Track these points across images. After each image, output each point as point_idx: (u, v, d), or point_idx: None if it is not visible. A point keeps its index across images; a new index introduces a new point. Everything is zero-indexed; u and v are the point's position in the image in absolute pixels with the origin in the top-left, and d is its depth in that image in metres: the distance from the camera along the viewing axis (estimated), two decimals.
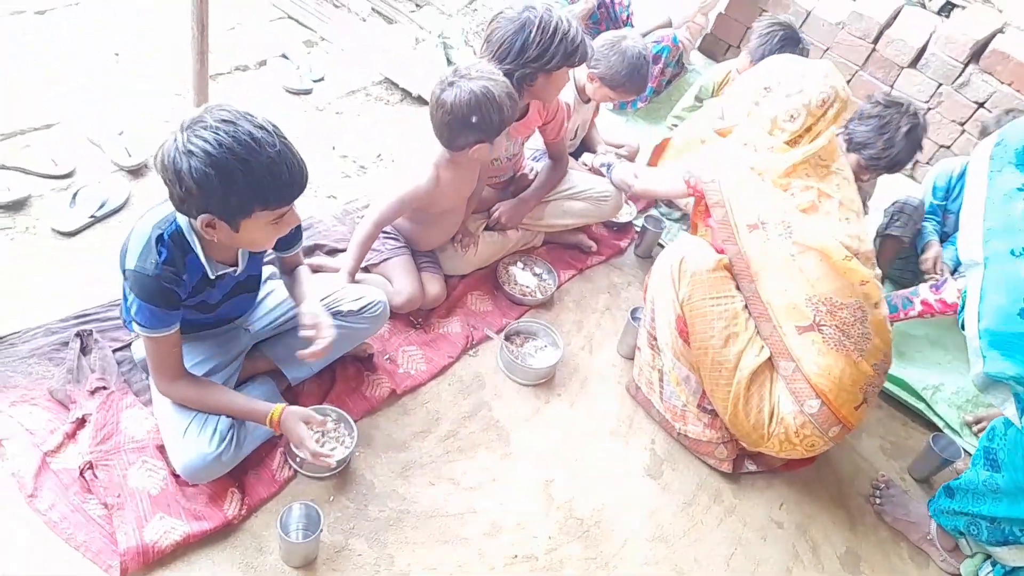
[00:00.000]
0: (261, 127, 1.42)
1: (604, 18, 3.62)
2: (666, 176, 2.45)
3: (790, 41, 2.81)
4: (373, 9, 3.60)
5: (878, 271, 2.03)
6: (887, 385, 2.52)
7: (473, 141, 2.06)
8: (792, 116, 1.98)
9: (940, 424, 2.49)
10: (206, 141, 1.37)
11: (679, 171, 2.21)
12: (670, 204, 3.06)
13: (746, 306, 2.00)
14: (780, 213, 1.94)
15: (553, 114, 2.47)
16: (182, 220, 1.55)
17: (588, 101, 2.77)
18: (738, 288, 2.02)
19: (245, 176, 1.40)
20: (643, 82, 2.57)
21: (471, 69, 2.02)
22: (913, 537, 2.16)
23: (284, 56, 3.15)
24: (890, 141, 2.45)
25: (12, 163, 2.32)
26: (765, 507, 2.13)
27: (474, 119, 1.99)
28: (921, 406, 2.52)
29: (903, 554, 2.15)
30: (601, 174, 2.70)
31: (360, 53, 3.29)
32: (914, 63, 3.53)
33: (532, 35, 2.13)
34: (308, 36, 3.35)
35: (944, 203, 2.87)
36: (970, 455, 2.44)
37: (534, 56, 2.14)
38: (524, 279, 2.54)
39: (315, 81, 3.13)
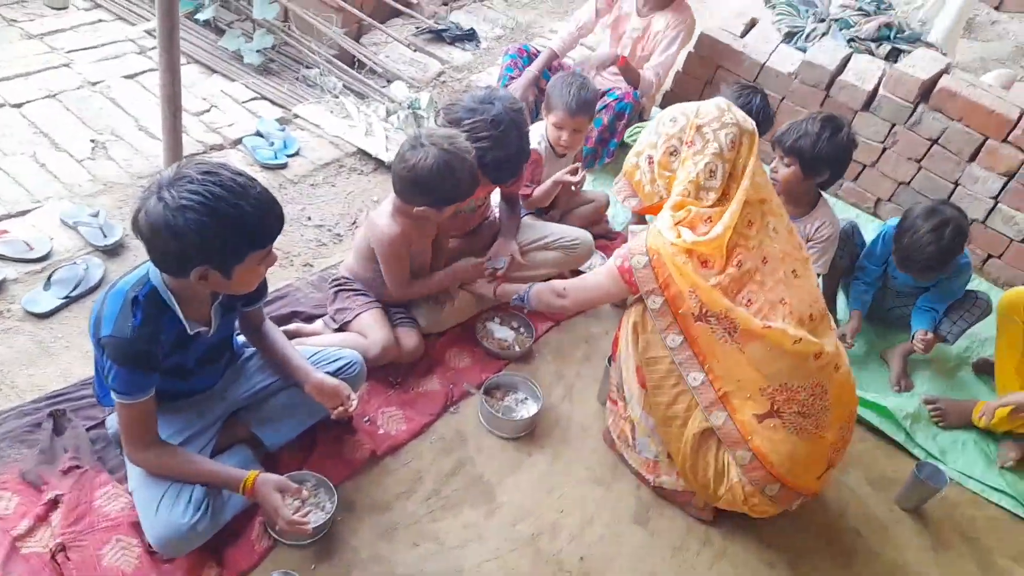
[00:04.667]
0: (239, 173, 1.50)
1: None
2: (596, 275, 2.16)
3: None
4: (345, 87, 3.72)
5: (833, 326, 1.97)
6: (868, 416, 2.52)
7: (422, 203, 2.13)
8: (711, 172, 1.85)
9: (921, 455, 2.48)
10: (197, 194, 1.42)
11: (609, 263, 2.00)
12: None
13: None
14: (723, 306, 1.81)
15: None
16: (156, 280, 1.57)
17: (563, 156, 2.84)
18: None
19: (239, 220, 1.46)
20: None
21: (441, 136, 2.10)
22: None
23: (258, 134, 3.24)
24: (802, 126, 2.47)
25: None
26: (756, 548, 2.10)
27: (429, 186, 2.07)
28: (901, 437, 2.51)
29: None
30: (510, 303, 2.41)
31: (333, 127, 3.39)
32: (867, 106, 3.66)
33: (473, 122, 2.23)
34: (282, 114, 3.45)
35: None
36: (956, 483, 2.43)
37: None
38: (502, 333, 2.56)
39: (289, 156, 3.20)
